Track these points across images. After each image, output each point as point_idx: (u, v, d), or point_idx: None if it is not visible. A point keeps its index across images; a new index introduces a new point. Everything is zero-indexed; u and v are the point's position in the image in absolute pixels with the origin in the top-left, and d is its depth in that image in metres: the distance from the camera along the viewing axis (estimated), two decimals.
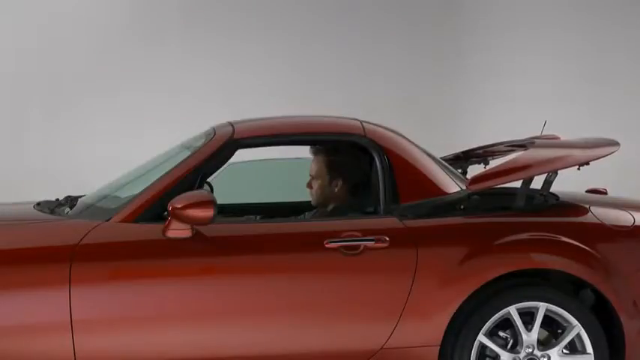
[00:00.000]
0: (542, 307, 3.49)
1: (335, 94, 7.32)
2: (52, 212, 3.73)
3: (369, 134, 3.72)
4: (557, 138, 4.34)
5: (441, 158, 4.70)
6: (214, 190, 4.04)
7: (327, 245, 3.42)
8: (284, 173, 4.87)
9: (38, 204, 3.96)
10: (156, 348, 3.31)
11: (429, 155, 3.82)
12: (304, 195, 4.07)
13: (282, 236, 3.49)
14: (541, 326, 3.51)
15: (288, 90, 7.33)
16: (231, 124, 3.75)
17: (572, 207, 3.80)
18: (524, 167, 3.68)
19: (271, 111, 7.17)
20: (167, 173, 3.52)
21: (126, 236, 3.38)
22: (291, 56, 7.39)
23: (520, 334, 3.49)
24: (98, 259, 3.30)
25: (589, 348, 3.51)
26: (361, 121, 3.83)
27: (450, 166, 3.98)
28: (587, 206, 3.78)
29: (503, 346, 3.51)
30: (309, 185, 3.97)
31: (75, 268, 3.26)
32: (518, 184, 3.85)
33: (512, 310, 3.48)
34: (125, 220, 3.41)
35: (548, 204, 3.83)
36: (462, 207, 3.72)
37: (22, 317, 3.24)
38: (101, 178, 4.29)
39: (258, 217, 4.18)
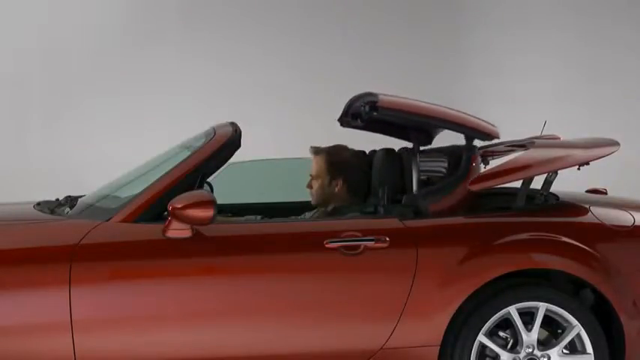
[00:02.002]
0: (542, 307, 3.49)
1: (335, 94, 7.27)
2: (52, 212, 3.73)
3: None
4: (557, 138, 4.33)
5: None
6: (214, 190, 4.04)
7: (327, 245, 3.41)
8: (284, 173, 4.87)
9: (38, 204, 3.96)
10: (156, 348, 3.31)
11: None
12: (304, 195, 4.07)
13: (282, 236, 3.49)
14: (541, 326, 3.51)
15: (287, 90, 7.34)
16: (233, 123, 3.76)
17: (572, 207, 3.80)
18: (524, 167, 3.68)
19: (271, 111, 7.22)
20: (167, 173, 3.52)
21: (126, 236, 3.37)
22: (291, 56, 7.40)
23: (520, 334, 3.49)
24: (98, 259, 3.30)
25: (589, 348, 3.51)
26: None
27: None
28: (587, 206, 3.78)
29: (503, 346, 3.51)
30: (309, 185, 3.97)
31: (75, 268, 3.25)
32: (518, 184, 3.85)
33: (512, 310, 3.48)
34: (125, 220, 3.41)
35: (548, 204, 3.83)
36: None
37: (22, 317, 3.24)
38: (101, 178, 4.29)
39: (258, 217, 4.18)
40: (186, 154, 3.62)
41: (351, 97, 4.09)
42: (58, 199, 4.06)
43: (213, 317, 3.35)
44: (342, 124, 4.24)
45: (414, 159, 3.79)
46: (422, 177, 3.90)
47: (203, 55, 7.31)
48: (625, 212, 3.80)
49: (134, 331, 3.30)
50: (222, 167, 3.64)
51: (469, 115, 3.89)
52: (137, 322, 3.30)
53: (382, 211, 3.69)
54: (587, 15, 7.67)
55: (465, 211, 3.70)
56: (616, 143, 3.89)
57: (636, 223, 3.75)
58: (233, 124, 3.75)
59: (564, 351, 3.52)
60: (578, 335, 3.52)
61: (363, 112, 3.92)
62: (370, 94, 3.87)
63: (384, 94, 3.80)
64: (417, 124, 3.96)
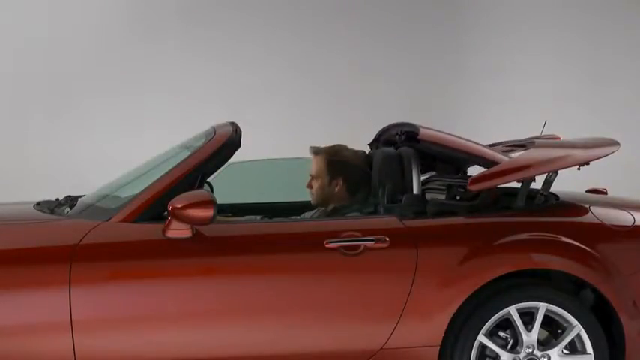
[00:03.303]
0: (542, 307, 3.49)
1: (335, 94, 7.32)
2: (52, 212, 3.73)
3: None
4: (557, 138, 4.34)
5: None
6: (214, 190, 4.04)
7: (327, 245, 3.42)
8: (284, 173, 4.87)
9: (38, 204, 3.96)
10: (156, 348, 3.31)
11: None
12: (304, 195, 4.07)
13: (282, 236, 3.49)
14: (541, 326, 3.51)
15: (288, 90, 7.34)
16: (233, 123, 3.76)
17: (572, 207, 3.80)
18: (524, 167, 3.68)
19: (271, 111, 7.22)
20: (167, 173, 3.52)
21: (126, 236, 3.38)
22: (292, 56, 7.39)
23: (520, 334, 3.49)
24: (98, 259, 3.30)
25: (589, 348, 3.51)
26: None
27: None
28: (587, 206, 3.78)
29: (504, 346, 3.51)
30: (309, 185, 3.97)
31: (75, 268, 3.25)
32: (518, 184, 3.85)
33: (512, 310, 3.48)
34: (125, 220, 3.41)
35: (549, 204, 3.83)
36: None
37: (22, 317, 3.24)
38: (101, 178, 4.29)
39: (259, 217, 4.18)
40: (186, 154, 3.62)
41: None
42: (58, 199, 4.05)
43: (213, 317, 3.35)
44: (372, 150, 4.27)
45: (414, 159, 3.80)
46: (444, 182, 3.97)
47: (203, 55, 7.31)
48: (625, 212, 3.80)
49: (134, 331, 3.30)
50: (222, 167, 3.64)
51: (504, 154, 3.94)
52: (137, 322, 3.31)
53: (382, 211, 3.69)
54: (587, 15, 7.67)
55: (465, 211, 3.71)
56: (616, 143, 3.89)
57: (636, 223, 3.75)
58: (233, 124, 3.75)
59: (564, 351, 3.52)
60: (578, 335, 3.52)
61: (398, 141, 3.97)
62: (409, 124, 3.93)
63: (423, 127, 3.88)
64: (449, 158, 3.98)
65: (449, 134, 3.97)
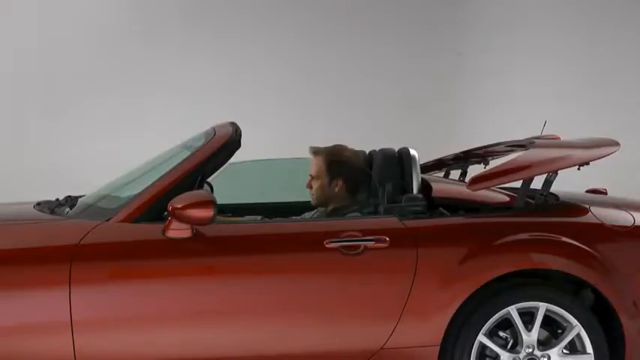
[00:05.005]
0: (542, 307, 3.49)
1: (335, 95, 7.32)
2: (52, 212, 3.73)
3: None
4: (557, 138, 4.34)
5: (441, 158, 4.72)
6: (214, 190, 4.04)
7: (327, 245, 3.42)
8: (284, 173, 4.87)
9: (38, 204, 3.96)
10: (156, 348, 3.31)
11: None
12: (304, 195, 4.07)
13: (282, 236, 3.49)
14: (541, 326, 3.51)
15: (288, 90, 7.35)
16: (233, 123, 3.76)
17: (572, 207, 3.80)
18: (524, 167, 3.68)
19: (271, 111, 7.22)
20: (167, 173, 3.52)
21: (126, 236, 3.38)
22: (291, 56, 7.40)
23: (520, 334, 3.49)
24: (98, 259, 3.30)
25: (589, 348, 3.51)
26: None
27: None
28: (587, 206, 3.78)
29: (503, 346, 3.51)
30: (309, 185, 3.97)
31: (75, 268, 3.26)
32: (518, 184, 3.85)
33: (513, 310, 3.48)
34: (125, 220, 3.41)
35: (549, 204, 3.83)
36: None
37: (22, 317, 3.24)
38: (101, 178, 4.29)
39: (259, 217, 4.18)
40: (186, 154, 3.62)
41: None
42: (58, 199, 4.06)
43: (213, 317, 3.35)
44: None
45: (413, 159, 3.81)
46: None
47: (203, 55, 7.31)
48: (625, 212, 3.80)
49: (134, 330, 3.30)
50: (222, 167, 3.64)
51: (504, 193, 3.98)
52: (137, 322, 3.31)
53: (382, 211, 3.70)
54: (587, 15, 7.67)
55: (465, 211, 3.71)
56: (616, 143, 3.89)
57: (636, 223, 3.75)
58: (233, 124, 3.75)
59: (564, 351, 3.52)
60: (578, 335, 3.52)
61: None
62: (423, 179, 3.92)
63: (433, 180, 3.94)
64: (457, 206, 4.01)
65: (456, 183, 4.07)
